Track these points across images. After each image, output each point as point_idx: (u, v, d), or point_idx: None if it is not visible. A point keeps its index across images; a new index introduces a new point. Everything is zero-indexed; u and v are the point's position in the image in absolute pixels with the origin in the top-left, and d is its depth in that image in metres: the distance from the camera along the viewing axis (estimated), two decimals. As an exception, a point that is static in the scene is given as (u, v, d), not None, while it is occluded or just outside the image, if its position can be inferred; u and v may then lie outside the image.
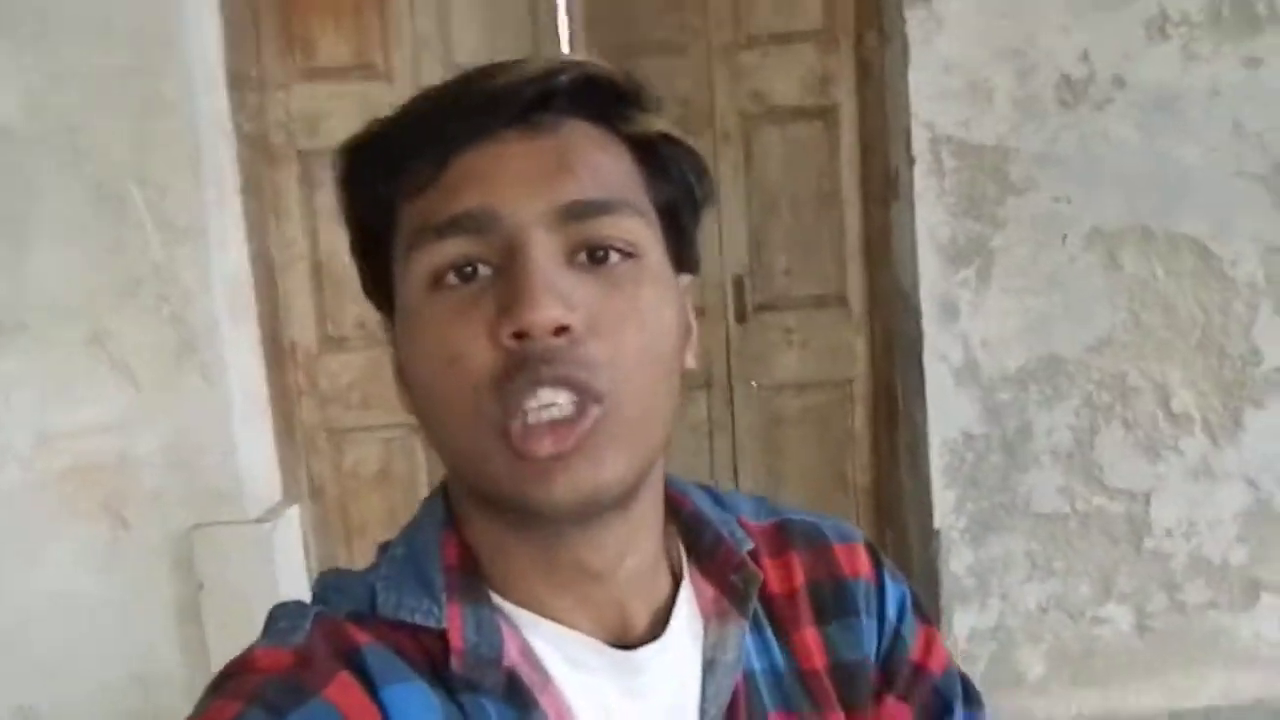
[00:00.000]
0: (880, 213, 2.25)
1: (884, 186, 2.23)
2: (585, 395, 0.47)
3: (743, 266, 2.31)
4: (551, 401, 0.47)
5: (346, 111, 2.23)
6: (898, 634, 0.63)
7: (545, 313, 0.46)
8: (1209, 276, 2.09)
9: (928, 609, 0.67)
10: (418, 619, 0.52)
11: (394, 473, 2.34)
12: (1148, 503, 2.14)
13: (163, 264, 2.00)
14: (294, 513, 2.21)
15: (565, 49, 2.35)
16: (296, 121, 2.21)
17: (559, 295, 0.47)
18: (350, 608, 0.53)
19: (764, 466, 2.39)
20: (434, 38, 2.26)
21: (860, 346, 2.34)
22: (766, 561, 0.61)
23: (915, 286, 2.11)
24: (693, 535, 0.60)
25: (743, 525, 0.62)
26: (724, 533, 0.60)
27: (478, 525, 0.55)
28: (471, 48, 2.28)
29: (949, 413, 2.12)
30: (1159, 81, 2.04)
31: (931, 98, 2.05)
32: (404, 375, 0.55)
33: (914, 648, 0.63)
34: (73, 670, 2.06)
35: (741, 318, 2.31)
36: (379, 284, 0.55)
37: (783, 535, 0.63)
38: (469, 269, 0.49)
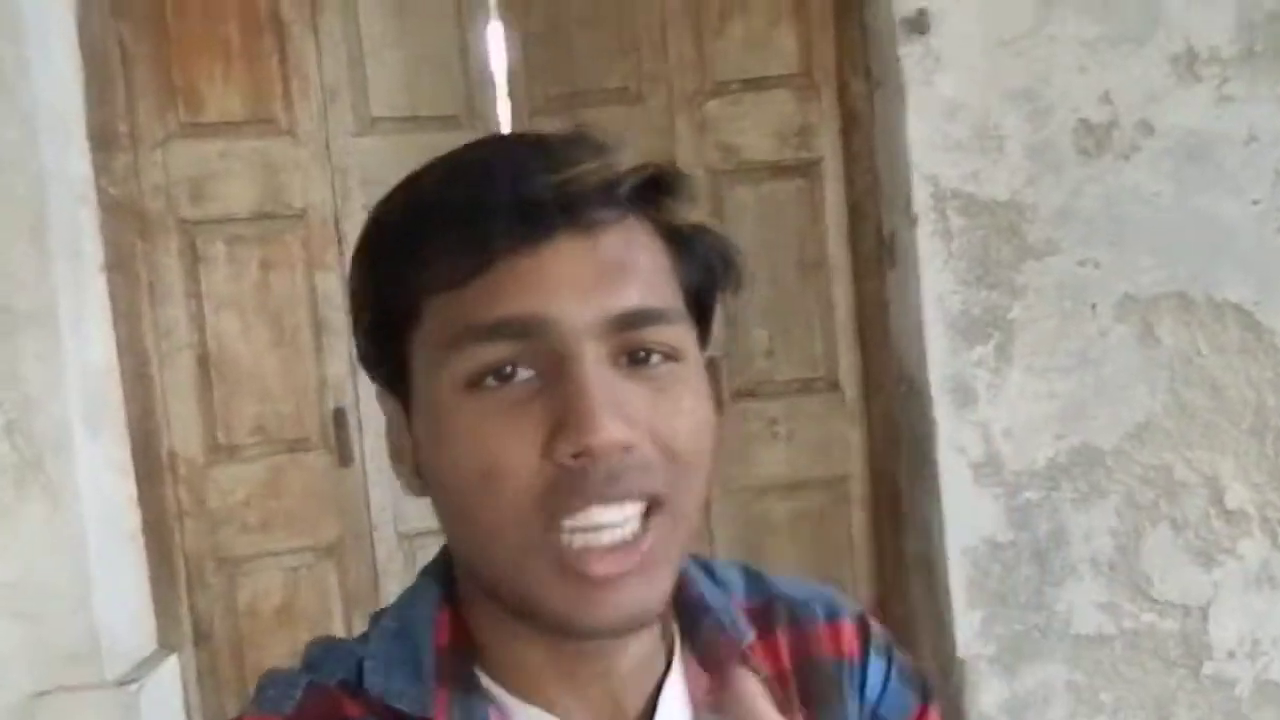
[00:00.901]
0: (875, 282, 1.94)
1: (878, 251, 1.92)
2: (651, 502, 0.47)
3: (717, 347, 1.96)
4: (611, 521, 0.46)
5: (241, 173, 1.87)
6: (875, 713, 0.60)
7: (611, 435, 0.44)
8: (1258, 349, 1.80)
9: None
10: (403, 705, 0.50)
11: (301, 607, 1.92)
12: (1205, 618, 1.81)
13: (-2, 361, 1.59)
14: (171, 665, 1.78)
15: (503, 101, 2.03)
16: (178, 185, 1.84)
17: (619, 410, 0.45)
18: (341, 676, 0.51)
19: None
20: (345, 87, 1.92)
21: (856, 438, 2.00)
22: (757, 645, 0.59)
23: (922, 367, 1.79)
24: (692, 621, 0.57)
25: (735, 607, 0.60)
26: (725, 622, 0.57)
27: (480, 608, 0.52)
28: (390, 99, 1.94)
29: (969, 517, 1.78)
30: (1190, 127, 1.77)
31: (933, 147, 1.76)
32: (421, 466, 0.51)
33: None
34: None
35: (717, 406, 1.96)
36: (386, 364, 0.52)
37: (770, 613, 0.61)
38: (508, 369, 0.47)
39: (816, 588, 0.64)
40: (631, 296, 0.47)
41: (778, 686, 0.58)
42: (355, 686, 0.51)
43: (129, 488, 1.76)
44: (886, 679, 0.61)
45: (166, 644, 1.80)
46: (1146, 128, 1.77)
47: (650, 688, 0.54)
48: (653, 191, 0.50)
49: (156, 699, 1.70)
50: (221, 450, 1.88)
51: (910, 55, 1.75)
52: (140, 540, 1.78)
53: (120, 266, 1.77)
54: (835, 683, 0.59)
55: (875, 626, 0.62)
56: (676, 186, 0.51)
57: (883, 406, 1.97)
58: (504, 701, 0.52)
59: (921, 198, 1.76)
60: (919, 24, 1.73)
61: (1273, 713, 1.82)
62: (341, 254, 1.92)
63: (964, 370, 1.77)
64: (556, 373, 0.46)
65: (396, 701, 0.50)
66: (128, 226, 1.80)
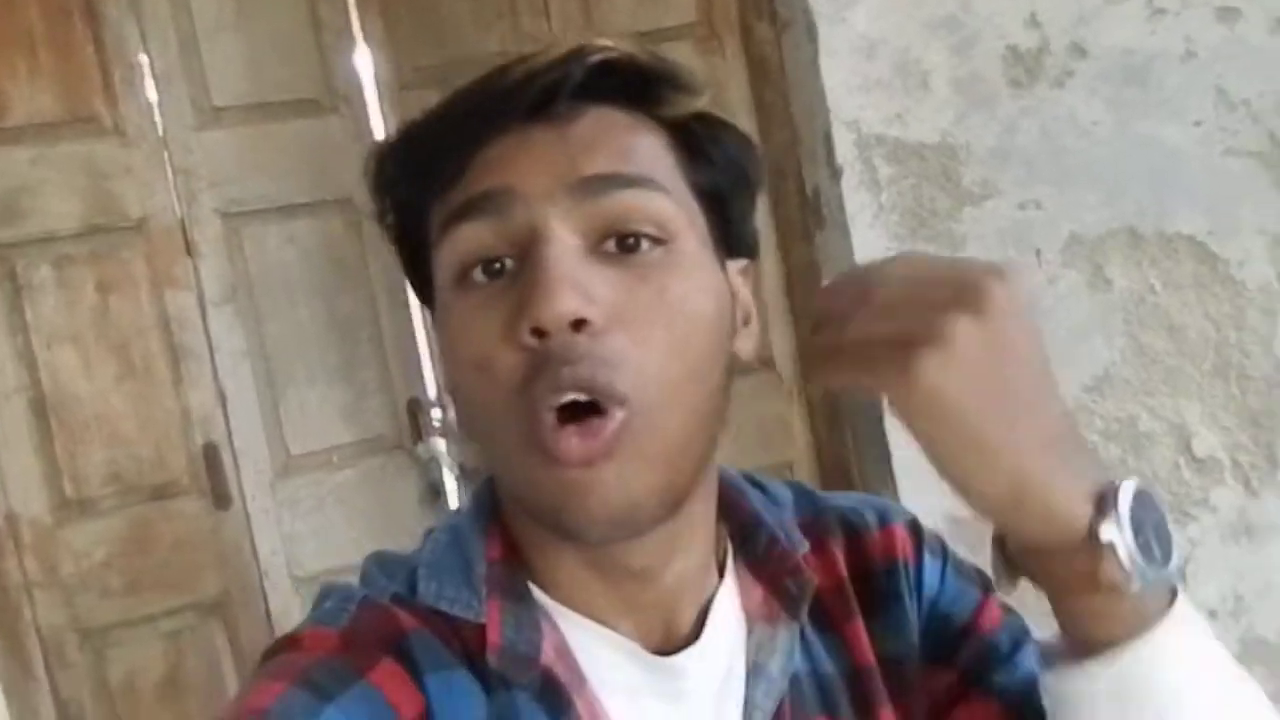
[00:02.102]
0: (803, 246, 1.75)
1: (803, 213, 1.74)
2: (608, 399, 0.44)
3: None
4: (576, 399, 0.44)
5: (62, 182, 1.61)
6: (935, 607, 0.59)
7: (560, 305, 0.44)
8: (1214, 282, 1.68)
9: None
10: (456, 610, 0.51)
11: (187, 677, 1.67)
12: (1182, 578, 1.67)
13: None
14: (32, 764, 1.52)
15: (367, 78, 1.79)
16: (-14, 202, 1.56)
17: (575, 286, 0.44)
18: (394, 590, 0.52)
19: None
20: (178, 75, 1.67)
21: (796, 420, 1.82)
22: (810, 558, 0.58)
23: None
24: (746, 535, 0.57)
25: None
26: (779, 535, 0.57)
27: (521, 520, 0.53)
28: (233, 85, 1.70)
29: (926, 495, 1.61)
30: (1125, 46, 1.63)
31: (852, 90, 1.58)
32: (445, 377, 0.59)
33: (962, 613, 0.59)
34: None
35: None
36: (422, 282, 0.53)
37: (822, 526, 0.60)
38: (496, 265, 0.47)
39: (867, 497, 0.63)
40: (595, 164, 0.47)
41: (833, 597, 0.57)
42: (409, 598, 0.51)
43: (-42, 563, 1.50)
44: (943, 575, 0.60)
45: (24, 739, 1.54)
46: (1079, 50, 1.62)
47: (702, 601, 0.54)
48: (634, 81, 0.50)
49: (15, 808, 1.45)
50: (72, 506, 1.61)
51: (818, -13, 1.56)
52: (-20, 623, 1.51)
53: (-80, 302, 1.49)
54: (892, 587, 0.58)
55: (927, 531, 0.62)
56: (662, 74, 0.50)
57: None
58: (555, 613, 0.52)
59: (844, 147, 1.59)
60: (824, -48, 1.55)
61: (1261, 671, 1.69)
62: (196, 267, 1.67)
63: (907, 334, 1.60)
64: (527, 257, 0.46)
65: (449, 607, 0.50)
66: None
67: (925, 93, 1.59)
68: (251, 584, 1.70)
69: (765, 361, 1.81)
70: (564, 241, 0.46)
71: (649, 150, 0.49)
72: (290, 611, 1.70)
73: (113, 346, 1.63)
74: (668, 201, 0.48)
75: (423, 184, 0.50)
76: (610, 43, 0.50)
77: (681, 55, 1.76)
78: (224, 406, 1.68)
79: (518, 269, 0.47)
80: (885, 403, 0.41)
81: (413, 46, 1.78)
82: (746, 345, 0.54)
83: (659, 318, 0.46)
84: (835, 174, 1.59)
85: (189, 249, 1.67)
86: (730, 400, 0.50)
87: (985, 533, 1.38)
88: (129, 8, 1.65)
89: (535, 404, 0.45)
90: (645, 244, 0.47)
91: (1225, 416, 1.68)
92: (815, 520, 0.60)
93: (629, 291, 0.46)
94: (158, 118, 1.66)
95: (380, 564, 0.55)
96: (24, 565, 1.59)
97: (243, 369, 1.68)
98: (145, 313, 1.65)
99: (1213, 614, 1.68)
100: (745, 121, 1.77)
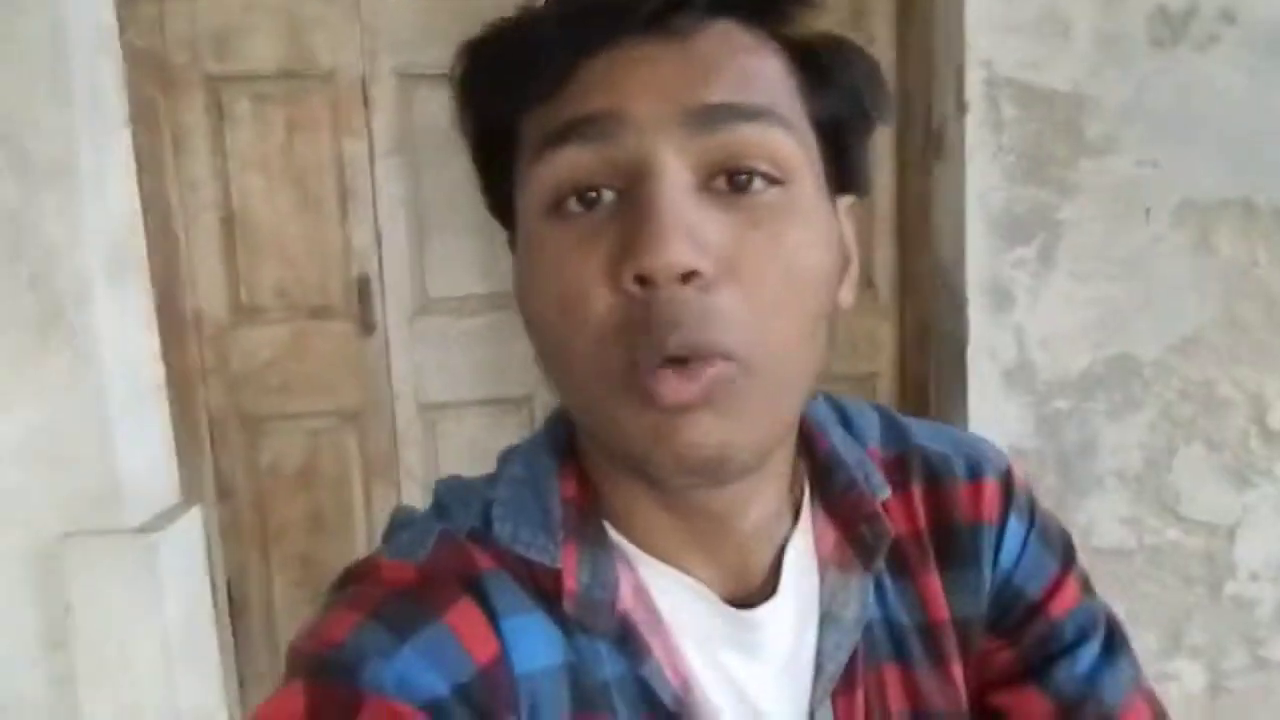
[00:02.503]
0: (920, 177, 1.84)
1: (924, 143, 1.82)
2: (713, 355, 0.42)
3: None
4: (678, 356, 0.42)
5: (267, 29, 1.82)
6: (1009, 578, 0.57)
7: (671, 256, 0.41)
8: (1323, 265, 1.69)
9: None
10: (533, 555, 0.50)
11: (320, 470, 1.95)
12: (1231, 539, 1.76)
13: (19, 211, 1.58)
14: (193, 517, 1.82)
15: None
16: (203, 40, 1.79)
17: (688, 233, 0.42)
18: (471, 524, 0.51)
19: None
20: (377, -61, 1.83)
21: (887, 335, 1.94)
22: (891, 502, 0.56)
23: (960, 266, 1.71)
24: (824, 475, 0.55)
25: (871, 458, 0.57)
26: (858, 477, 0.55)
27: (596, 459, 0.52)
28: (422, -46, 1.85)
29: (996, 422, 1.73)
30: (1277, 18, 1.63)
31: (992, 29, 1.64)
32: (521, 304, 0.49)
33: (1034, 589, 0.57)
34: (-89, 707, 1.68)
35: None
36: (500, 199, 0.51)
37: (907, 466, 0.58)
38: (592, 194, 0.44)
39: (960, 439, 0.60)
40: (714, 91, 0.43)
41: (911, 545, 0.55)
42: (484, 534, 0.50)
43: (152, 342, 1.78)
44: (1025, 542, 0.58)
45: (189, 497, 1.84)
46: (1228, 17, 1.63)
47: (777, 544, 0.53)
48: None
49: (178, 548, 1.75)
50: (245, 311, 1.88)
51: (975, -74, 1.61)
52: (163, 394, 1.80)
53: (144, 120, 1.74)
54: (972, 547, 0.56)
55: (1019, 485, 0.59)
56: None
57: (917, 306, 1.90)
58: (632, 556, 0.51)
59: (974, 84, 1.65)
60: (988, -109, 1.59)
61: (1292, 637, 1.78)
62: (369, 120, 1.87)
63: (1003, 272, 1.70)
64: (634, 190, 0.43)
65: (525, 550, 0.49)
66: (152, 80, 1.76)
67: (1064, 41, 1.63)
68: (383, 402, 1.95)
69: (866, 280, 1.93)
70: (676, 178, 0.43)
71: (771, 76, 0.46)
72: (413, 430, 1.95)
73: (293, 179, 1.86)
74: (789, 137, 0.45)
75: (516, 92, 0.46)
76: None
77: (835, -25, 1.84)
78: (379, 245, 1.90)
79: (620, 202, 0.44)
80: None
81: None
82: (848, 294, 0.51)
83: (773, 270, 0.43)
84: (961, 109, 1.67)
85: (366, 102, 1.86)
86: (831, 350, 0.48)
87: (1046, 465, 1.50)
88: (340, -127, 1.82)
89: (633, 353, 0.43)
90: (760, 182, 0.44)
91: (1306, 396, 1.73)
92: (900, 458, 0.58)
93: (742, 239, 0.43)
94: (352, -23, 1.84)
95: (455, 493, 0.54)
96: (203, 355, 1.87)
97: (399, 214, 1.89)
98: (324, 153, 1.86)
99: (1254, 577, 1.76)
100: (885, 53, 1.85)
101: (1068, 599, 0.57)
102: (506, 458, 0.55)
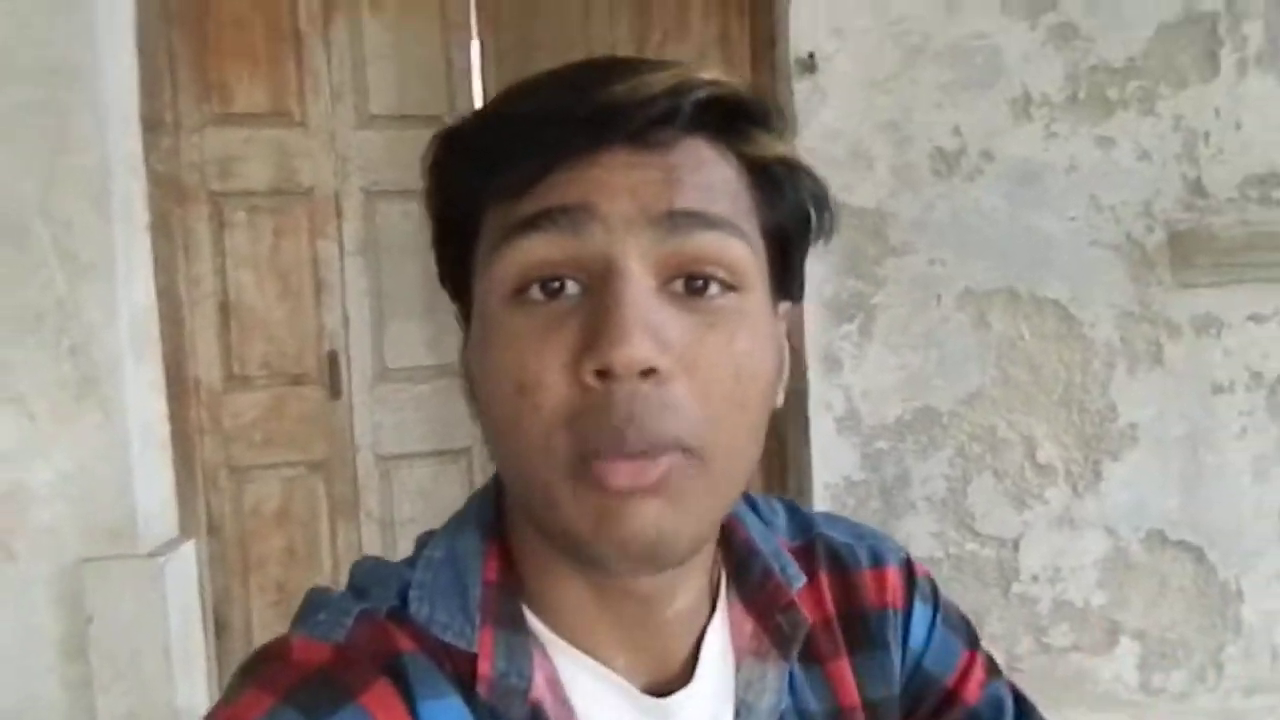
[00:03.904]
0: (772, 269, 2.38)
1: (775, 245, 2.36)
2: (665, 448, 0.44)
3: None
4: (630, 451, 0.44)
5: (260, 156, 2.30)
6: (920, 663, 0.60)
7: (634, 352, 0.43)
8: (1070, 337, 2.25)
9: None
10: (449, 638, 0.50)
11: (294, 511, 2.37)
12: (1016, 549, 2.26)
13: (65, 298, 2.02)
14: (189, 548, 2.22)
15: (478, 102, 2.46)
16: (209, 164, 2.27)
17: (651, 331, 0.43)
18: (390, 603, 0.51)
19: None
20: (348, 87, 2.35)
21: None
22: (803, 592, 0.58)
23: (801, 340, 2.23)
24: (740, 565, 0.56)
25: (780, 548, 0.59)
26: (774, 567, 0.56)
27: (527, 541, 0.52)
28: (385, 99, 2.37)
29: (832, 459, 2.23)
30: (1023, 156, 2.21)
31: (817, 164, 2.16)
32: (472, 383, 0.51)
33: (947, 674, 0.60)
34: (-50, 707, 2.03)
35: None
36: (455, 278, 0.52)
37: (813, 555, 0.60)
38: (555, 284, 0.46)
39: (859, 529, 0.62)
40: (681, 199, 0.45)
41: (820, 632, 0.56)
42: (403, 614, 0.50)
43: (162, 405, 2.20)
44: (932, 626, 0.60)
45: (186, 532, 2.24)
46: (988, 156, 2.21)
47: (697, 631, 0.53)
48: (729, 116, 0.48)
49: (177, 573, 2.15)
50: (236, 380, 2.31)
51: (801, 90, 2.18)
52: (169, 448, 2.21)
53: (162, 228, 2.20)
54: (879, 632, 0.58)
55: (920, 573, 0.61)
56: (757, 113, 0.50)
57: (775, 371, 2.41)
58: (549, 643, 0.51)
59: (806, 203, 2.20)
60: (809, 64, 2.17)
61: (1067, 626, 2.28)
62: (340, 226, 2.35)
63: (833, 343, 2.22)
64: (597, 284, 0.45)
65: (441, 633, 0.49)
66: (168, 196, 2.22)
67: (870, 172, 2.19)
68: (347, 454, 2.38)
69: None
70: (640, 279, 0.44)
71: (731, 189, 0.48)
72: (371, 478, 2.39)
73: (278, 274, 2.32)
74: (745, 248, 0.47)
75: (487, 185, 0.48)
76: (715, 75, 0.48)
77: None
78: (346, 326, 2.35)
79: (584, 296, 0.45)
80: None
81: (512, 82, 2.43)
82: (781, 394, 0.52)
83: (725, 370, 0.45)
84: (798, 221, 2.21)
85: (338, 213, 2.35)
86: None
87: (871, 492, 2.01)
88: (321, 37, 2.34)
89: (584, 443, 0.44)
90: (715, 287, 0.46)
91: (1065, 437, 2.26)
92: (806, 547, 0.59)
93: (698, 339, 0.45)
94: (331, 117, 2.35)
95: (372, 574, 0.53)
96: (200, 415, 2.29)
97: (363, 301, 2.36)
98: (303, 253, 2.34)
99: (1035, 579, 2.27)
100: (745, 173, 2.40)
101: (978, 681, 0.60)
102: (426, 541, 0.54)
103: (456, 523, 0.55)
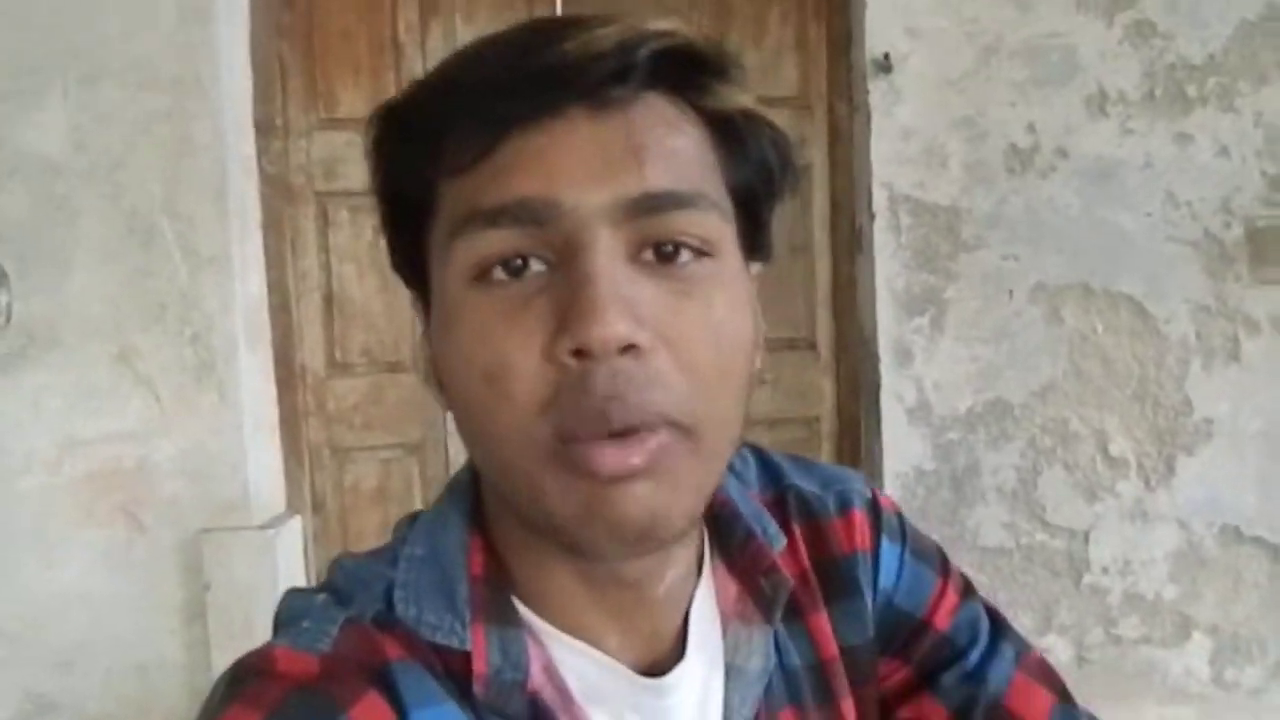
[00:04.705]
0: (846, 264, 2.45)
1: (850, 240, 2.43)
2: (651, 424, 0.43)
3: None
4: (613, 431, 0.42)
5: (362, 159, 2.43)
6: (891, 599, 0.59)
7: (611, 329, 0.41)
8: (1145, 332, 2.27)
9: None
10: (439, 638, 0.49)
11: (391, 490, 2.52)
12: (1086, 541, 2.29)
13: (187, 290, 2.20)
14: (296, 523, 2.39)
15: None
16: (315, 166, 2.43)
17: (626, 307, 0.42)
18: (375, 608, 0.50)
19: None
20: (443, 93, 2.48)
21: (827, 387, 2.53)
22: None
23: (874, 333, 2.30)
24: (723, 528, 0.56)
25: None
26: (756, 529, 0.55)
27: (509, 530, 0.51)
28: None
29: (902, 450, 2.29)
30: (1098, 153, 2.23)
31: (891, 161, 2.25)
32: (437, 370, 0.50)
33: (918, 606, 0.60)
34: (85, 661, 2.23)
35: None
36: (410, 261, 0.51)
37: (785, 507, 0.59)
38: (519, 262, 0.44)
39: (827, 474, 0.61)
40: (651, 178, 0.43)
41: (798, 586, 0.56)
42: (390, 619, 0.48)
43: (272, 390, 2.37)
44: (901, 561, 0.60)
45: (293, 507, 2.41)
46: (1062, 153, 2.24)
47: (686, 604, 0.53)
48: (686, 68, 0.46)
49: (286, 545, 2.32)
50: (338, 367, 2.48)
51: (877, 89, 2.24)
52: (277, 429, 2.39)
53: (272, 225, 2.36)
54: (852, 578, 0.58)
55: (887, 509, 0.61)
56: (714, 63, 0.47)
57: (848, 363, 2.48)
58: (541, 632, 0.50)
59: (880, 200, 2.26)
60: (884, 65, 2.23)
61: (1137, 619, 2.30)
62: (433, 222, 2.49)
63: (905, 336, 2.28)
64: (566, 262, 0.43)
65: (431, 635, 0.48)
66: (278, 196, 2.39)
67: (943, 170, 2.25)
68: (439, 437, 2.53)
69: (810, 343, 2.52)
70: (610, 251, 0.42)
71: (696, 152, 0.46)
72: (461, 459, 2.52)
73: (378, 268, 2.47)
74: (716, 217, 0.46)
75: (436, 160, 0.45)
76: (669, 26, 0.46)
77: (783, 118, 2.47)
78: (439, 317, 2.49)
79: (551, 274, 0.43)
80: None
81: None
82: (758, 360, 0.51)
83: (705, 339, 0.44)
84: (871, 217, 2.27)
85: (433, 210, 2.49)
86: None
87: (941, 482, 2.11)
88: (418, 45, 2.48)
89: (565, 425, 0.42)
90: (686, 254, 0.44)
91: (1137, 431, 2.28)
92: (778, 499, 0.59)
93: (674, 309, 0.43)
94: (426, 121, 2.49)
95: (354, 576, 0.51)
96: (306, 399, 2.46)
97: (455, 294, 2.50)
98: (400, 248, 2.48)
99: (1105, 570, 2.30)
100: (820, 170, 2.47)
101: (950, 606, 0.60)
102: (405, 535, 0.53)
103: (436, 515, 0.53)
